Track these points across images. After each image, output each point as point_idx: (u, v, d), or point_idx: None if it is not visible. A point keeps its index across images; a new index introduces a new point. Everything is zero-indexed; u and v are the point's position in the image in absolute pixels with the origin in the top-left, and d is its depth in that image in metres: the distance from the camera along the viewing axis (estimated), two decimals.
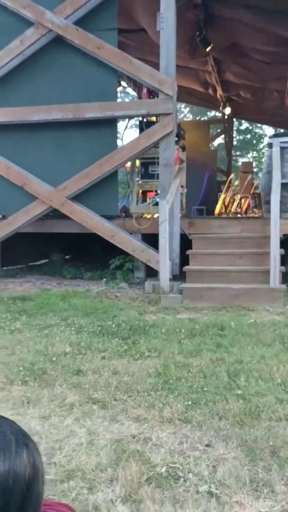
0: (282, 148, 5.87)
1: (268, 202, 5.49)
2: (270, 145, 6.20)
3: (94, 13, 6.18)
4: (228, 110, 13.67)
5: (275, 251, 5.00)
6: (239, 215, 9.81)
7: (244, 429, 2.28)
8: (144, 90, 7.24)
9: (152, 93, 6.83)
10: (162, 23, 5.77)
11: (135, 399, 2.63)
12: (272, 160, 5.66)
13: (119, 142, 6.60)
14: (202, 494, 1.79)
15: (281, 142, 5.93)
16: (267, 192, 5.64)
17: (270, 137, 6.59)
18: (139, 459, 2.01)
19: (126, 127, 6.85)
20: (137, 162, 6.96)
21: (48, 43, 6.42)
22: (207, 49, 9.11)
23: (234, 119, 18.06)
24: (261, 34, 8.33)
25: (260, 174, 12.63)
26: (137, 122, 7.87)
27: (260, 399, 2.59)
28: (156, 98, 6.34)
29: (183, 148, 7.36)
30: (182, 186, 7.11)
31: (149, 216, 6.86)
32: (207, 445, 2.16)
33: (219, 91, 12.48)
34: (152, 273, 6.28)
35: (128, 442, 2.18)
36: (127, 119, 7.29)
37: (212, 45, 9.08)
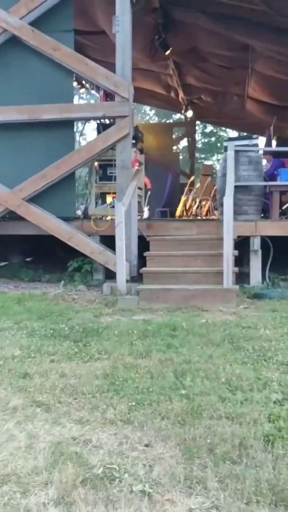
0: (236, 152, 6.00)
1: (223, 205, 5.58)
2: (225, 149, 6.32)
3: (49, 14, 6.16)
4: (190, 113, 13.85)
5: (228, 252, 5.10)
6: (199, 217, 9.93)
7: (184, 428, 2.32)
8: (101, 92, 7.25)
9: (109, 96, 6.85)
10: (117, 26, 5.80)
11: (80, 402, 2.63)
12: (227, 163, 5.76)
13: (83, 143, 6.59)
14: (136, 494, 1.81)
15: (236, 146, 6.06)
16: (222, 195, 5.74)
17: (225, 141, 6.71)
18: (77, 461, 2.01)
19: (83, 129, 6.83)
20: (96, 164, 6.96)
21: (4, 44, 6.35)
22: (167, 53, 9.20)
23: (198, 122, 18.32)
24: (219, 39, 8.48)
25: None
26: None
27: (203, 398, 2.63)
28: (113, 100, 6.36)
29: (141, 151, 7.40)
30: (140, 189, 7.15)
31: (109, 218, 6.87)
32: (147, 445, 2.18)
33: (181, 94, 12.63)
34: (112, 275, 6.27)
35: (68, 445, 2.17)
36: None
37: (171, 49, 9.19)
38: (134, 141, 6.36)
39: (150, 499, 1.78)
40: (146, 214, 8.59)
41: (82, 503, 1.74)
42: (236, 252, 5.53)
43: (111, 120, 6.75)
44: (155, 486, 1.86)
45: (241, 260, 6.09)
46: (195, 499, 1.79)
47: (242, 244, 6.04)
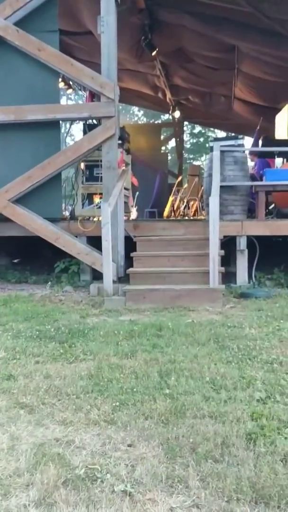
0: (222, 152, 6.02)
1: (209, 205, 5.60)
2: (211, 149, 6.35)
3: (34, 15, 6.14)
4: (177, 114, 13.88)
5: (214, 252, 5.11)
6: (186, 218, 9.96)
7: (168, 427, 2.32)
8: (87, 93, 7.24)
9: (95, 96, 6.84)
10: (102, 26, 5.80)
11: (63, 403, 2.62)
12: (213, 163, 5.78)
13: (72, 143, 6.56)
14: (117, 494, 1.81)
15: (221, 146, 6.08)
16: (208, 195, 5.76)
17: (211, 141, 6.74)
18: (59, 462, 2.01)
19: (69, 129, 6.81)
20: (82, 165, 6.94)
21: None
22: (153, 53, 9.22)
23: (186, 123, 18.38)
24: (205, 40, 8.52)
25: None
26: None
27: (187, 398, 2.63)
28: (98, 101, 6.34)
29: (128, 151, 7.40)
30: (127, 189, 7.15)
31: (95, 219, 6.86)
32: (129, 445, 2.18)
33: (168, 95, 12.66)
34: (99, 275, 6.25)
35: (51, 446, 2.17)
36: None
37: (157, 49, 9.20)
38: (120, 142, 6.36)
39: (131, 499, 1.78)
40: (134, 215, 8.59)
41: (63, 504, 1.74)
42: (223, 252, 5.55)
43: (98, 120, 6.74)
44: (136, 486, 1.86)
45: (228, 259, 6.11)
46: (176, 498, 1.80)
47: (228, 243, 6.07)
